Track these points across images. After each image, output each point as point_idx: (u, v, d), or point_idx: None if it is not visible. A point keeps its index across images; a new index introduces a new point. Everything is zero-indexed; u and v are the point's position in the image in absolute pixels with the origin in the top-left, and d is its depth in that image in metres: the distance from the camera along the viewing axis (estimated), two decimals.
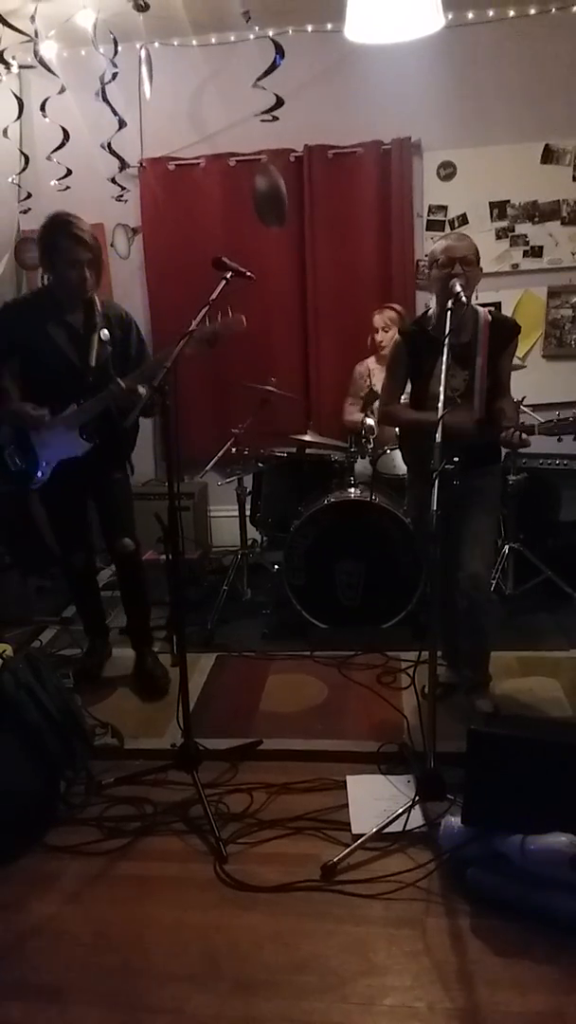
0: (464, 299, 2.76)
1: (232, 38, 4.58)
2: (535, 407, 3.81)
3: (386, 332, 4.44)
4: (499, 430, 2.79)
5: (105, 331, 3.21)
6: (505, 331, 2.97)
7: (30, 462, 3.28)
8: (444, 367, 2.68)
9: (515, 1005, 1.92)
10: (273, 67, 3.95)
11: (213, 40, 4.65)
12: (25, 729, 2.65)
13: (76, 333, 3.20)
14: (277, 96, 4.09)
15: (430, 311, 3.04)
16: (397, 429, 3.91)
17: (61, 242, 3.07)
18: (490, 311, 3.01)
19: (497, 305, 4.63)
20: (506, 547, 4.09)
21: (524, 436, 2.71)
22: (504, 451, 3.13)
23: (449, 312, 2.74)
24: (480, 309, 2.98)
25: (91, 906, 2.31)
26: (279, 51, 3.94)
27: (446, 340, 2.69)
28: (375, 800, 2.62)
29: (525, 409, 3.72)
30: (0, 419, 3.25)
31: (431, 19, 3.10)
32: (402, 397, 3.19)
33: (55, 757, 2.70)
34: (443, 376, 2.67)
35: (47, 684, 2.80)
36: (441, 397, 2.63)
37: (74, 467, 3.25)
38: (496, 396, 2.94)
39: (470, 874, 2.26)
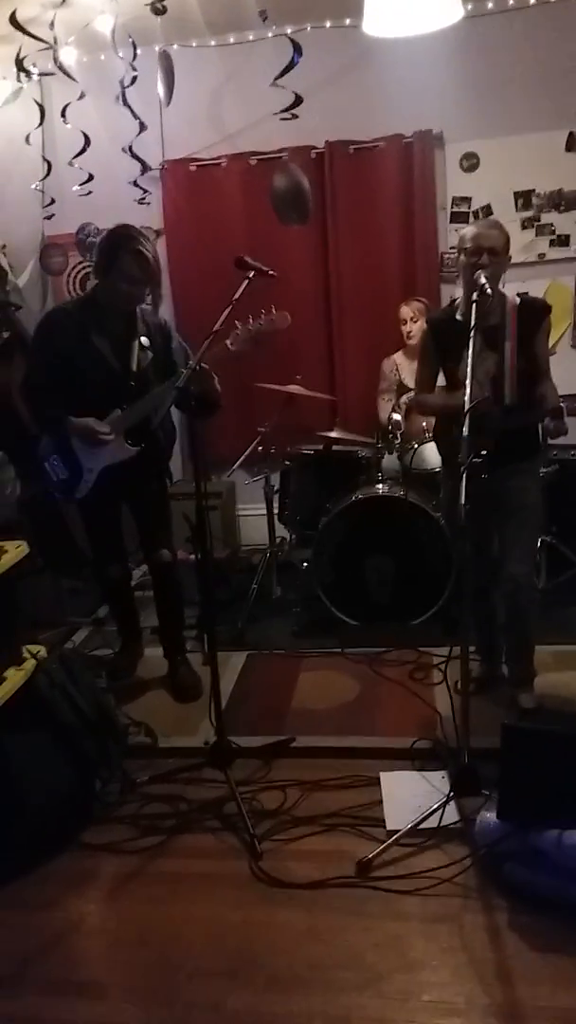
0: (488, 291, 2.73)
1: (250, 37, 4.58)
2: (564, 397, 3.76)
3: (414, 323, 4.41)
4: (541, 414, 2.74)
5: (145, 338, 3.22)
6: (535, 312, 2.92)
7: (73, 472, 3.26)
8: (471, 357, 2.65)
9: (554, 1000, 1.90)
10: (291, 66, 3.95)
11: (231, 40, 4.66)
12: (60, 729, 2.69)
13: (118, 340, 3.20)
14: (296, 94, 4.09)
15: (457, 300, 3.01)
16: (425, 422, 3.91)
17: (121, 256, 3.05)
18: (518, 293, 2.96)
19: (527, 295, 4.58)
20: (538, 540, 4.04)
21: (561, 421, 2.67)
22: (543, 439, 3.07)
23: (474, 304, 2.72)
24: (508, 293, 2.95)
25: (128, 903, 2.33)
26: (297, 49, 3.93)
27: (472, 332, 2.67)
28: (409, 796, 2.61)
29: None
30: (61, 435, 3.23)
31: (449, 10, 3.08)
32: (436, 386, 3.16)
33: (90, 756, 2.72)
34: (469, 368, 2.64)
35: (81, 684, 2.83)
36: (468, 390, 2.60)
37: (113, 475, 3.24)
38: (535, 380, 2.89)
39: (507, 869, 2.24)
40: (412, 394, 3.78)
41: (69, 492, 3.31)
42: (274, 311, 3.00)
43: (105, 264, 3.13)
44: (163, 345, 3.29)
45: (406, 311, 4.49)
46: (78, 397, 3.17)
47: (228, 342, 2.99)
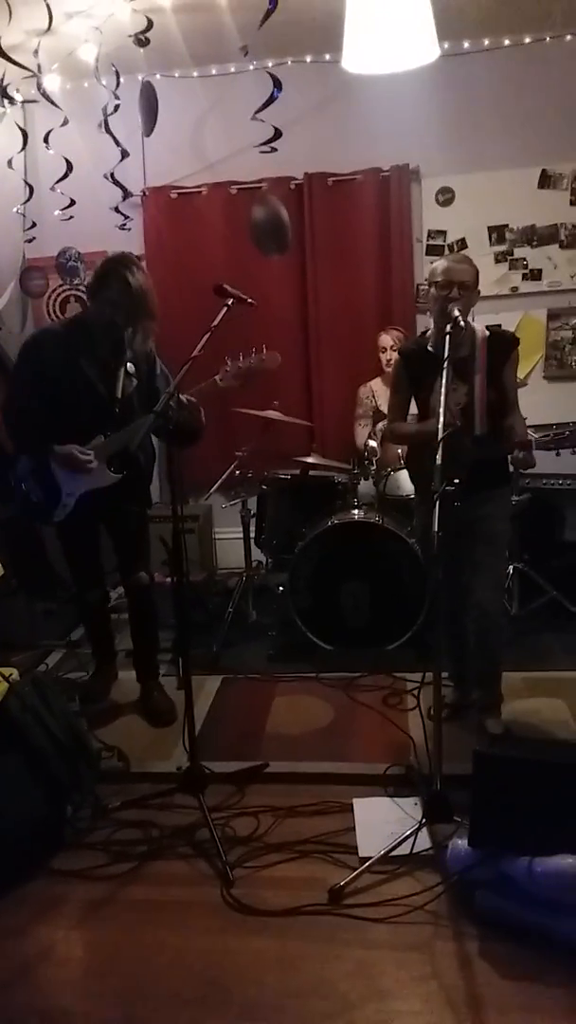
0: (462, 323, 2.79)
1: (232, 69, 4.67)
2: (536, 428, 3.82)
3: (393, 351, 4.48)
4: (509, 446, 2.80)
5: (131, 364, 3.23)
6: (503, 344, 2.99)
7: (51, 495, 3.25)
8: (444, 388, 2.70)
9: None
10: (271, 100, 4.02)
11: (213, 71, 4.75)
12: (31, 753, 2.66)
13: (105, 366, 3.20)
14: (276, 128, 4.16)
15: (428, 331, 3.07)
16: (400, 450, 3.95)
17: (109, 281, 3.07)
18: (487, 326, 3.03)
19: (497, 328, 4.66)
20: (511, 567, 4.09)
21: (529, 453, 2.73)
22: (512, 470, 3.14)
23: (448, 336, 2.77)
24: (477, 325, 3.01)
25: (98, 931, 2.31)
26: (277, 84, 4.01)
27: (445, 363, 2.72)
28: (382, 823, 2.61)
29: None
30: (40, 459, 3.22)
31: (426, 49, 3.15)
32: (408, 416, 3.21)
33: (61, 781, 2.70)
34: (443, 397, 2.69)
35: (53, 707, 2.81)
36: (440, 420, 2.65)
37: (93, 500, 3.24)
38: (504, 412, 2.95)
39: (478, 897, 2.24)
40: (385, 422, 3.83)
41: (46, 516, 3.29)
42: (265, 351, 3.04)
43: (95, 287, 3.15)
44: (148, 373, 3.29)
45: (385, 339, 4.56)
46: (62, 421, 3.17)
47: (217, 378, 3.04)
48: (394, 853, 2.45)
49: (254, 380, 3.13)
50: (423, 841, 2.48)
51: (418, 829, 2.49)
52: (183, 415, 2.79)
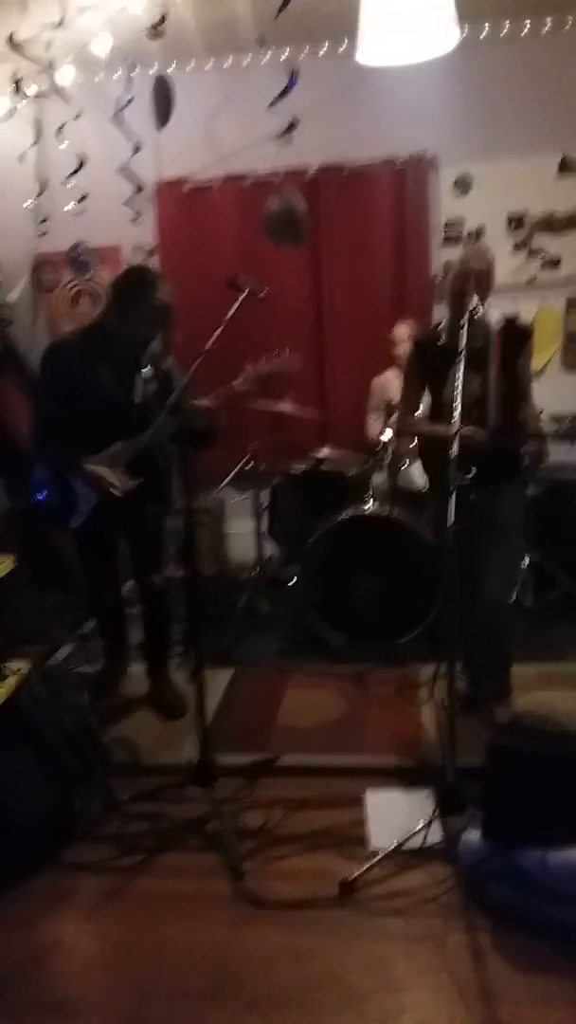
0: (477, 315, 2.76)
1: (246, 61, 4.64)
2: (554, 418, 3.79)
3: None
4: (521, 438, 2.77)
5: (147, 369, 3.21)
6: (518, 335, 2.96)
7: (68, 501, 3.23)
8: (460, 379, 2.66)
9: (536, 1021, 1.88)
10: (286, 91, 3.99)
11: (228, 63, 4.72)
12: (42, 746, 2.66)
13: (123, 372, 3.18)
14: (291, 120, 4.13)
15: (442, 322, 3.04)
16: (413, 443, 3.92)
17: (143, 300, 3.09)
18: (504, 315, 2.99)
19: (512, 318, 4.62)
20: (526, 559, 4.05)
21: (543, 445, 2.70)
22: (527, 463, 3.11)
23: (464, 327, 2.74)
24: (491, 316, 2.97)
25: (107, 923, 2.30)
26: (292, 75, 3.98)
27: (461, 354, 2.68)
28: (394, 815, 2.60)
29: (544, 420, 3.70)
30: (64, 476, 3.22)
31: (445, 38, 3.10)
32: (421, 406, 3.18)
33: (72, 774, 2.70)
34: (458, 389, 2.65)
35: (64, 701, 2.81)
36: (457, 409, 2.62)
37: (111, 506, 3.21)
38: (517, 402, 2.91)
39: (490, 890, 2.22)
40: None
41: (63, 522, 3.27)
42: (287, 353, 3.02)
43: (124, 304, 3.13)
44: (165, 377, 3.27)
45: (401, 331, 4.52)
46: (81, 428, 3.16)
47: (236, 382, 3.03)
48: (406, 846, 2.43)
49: (272, 382, 3.12)
50: (435, 834, 2.46)
51: (430, 822, 2.47)
52: (198, 420, 2.79)
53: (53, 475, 3.24)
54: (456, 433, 2.53)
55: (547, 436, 2.77)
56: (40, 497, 3.26)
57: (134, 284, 3.13)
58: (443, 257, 4.76)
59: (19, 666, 2.85)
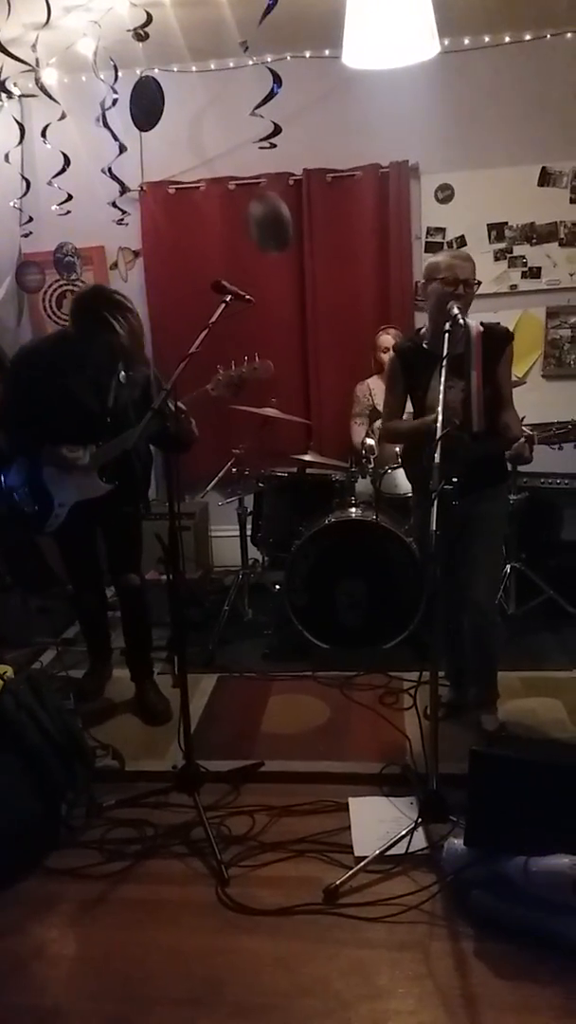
0: (461, 321, 2.78)
1: (231, 64, 4.64)
2: (535, 426, 3.82)
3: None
4: (506, 443, 2.80)
5: (123, 374, 3.20)
6: (498, 340, 2.98)
7: (43, 505, 3.23)
8: (442, 385, 2.69)
9: None
10: (271, 95, 4.01)
11: (212, 66, 4.72)
12: (26, 751, 2.65)
13: (96, 378, 3.17)
14: (275, 124, 4.15)
15: (423, 329, 3.06)
16: (398, 448, 3.94)
17: (96, 337, 2.96)
18: (482, 323, 3.02)
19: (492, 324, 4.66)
20: (508, 566, 4.08)
21: (531, 446, 2.73)
22: (510, 467, 3.13)
23: (447, 333, 2.76)
24: (471, 321, 3.00)
25: (91, 930, 2.30)
26: (277, 80, 3.99)
27: (444, 360, 2.71)
28: (377, 822, 2.61)
29: (525, 428, 3.73)
30: (33, 465, 3.21)
31: (427, 46, 3.14)
32: (403, 415, 3.20)
33: (56, 779, 2.68)
34: (441, 395, 2.68)
35: (48, 706, 2.79)
36: (440, 416, 2.64)
37: (86, 508, 3.24)
38: (499, 408, 2.94)
39: (473, 897, 2.24)
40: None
41: (38, 526, 3.28)
42: (258, 360, 3.03)
43: (83, 333, 3.03)
44: (143, 381, 3.27)
45: (385, 339, 4.54)
46: (53, 433, 3.15)
47: (209, 387, 3.04)
48: (390, 852, 2.44)
49: (247, 388, 3.12)
50: (419, 840, 2.47)
51: (414, 828, 2.48)
52: (177, 424, 2.78)
53: (27, 478, 3.23)
54: (441, 436, 2.55)
55: (535, 436, 2.79)
56: (15, 496, 3.25)
57: (92, 309, 2.98)
58: (425, 264, 4.78)
59: (3, 670, 2.83)
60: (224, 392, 3.05)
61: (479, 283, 2.95)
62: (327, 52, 4.47)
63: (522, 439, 2.82)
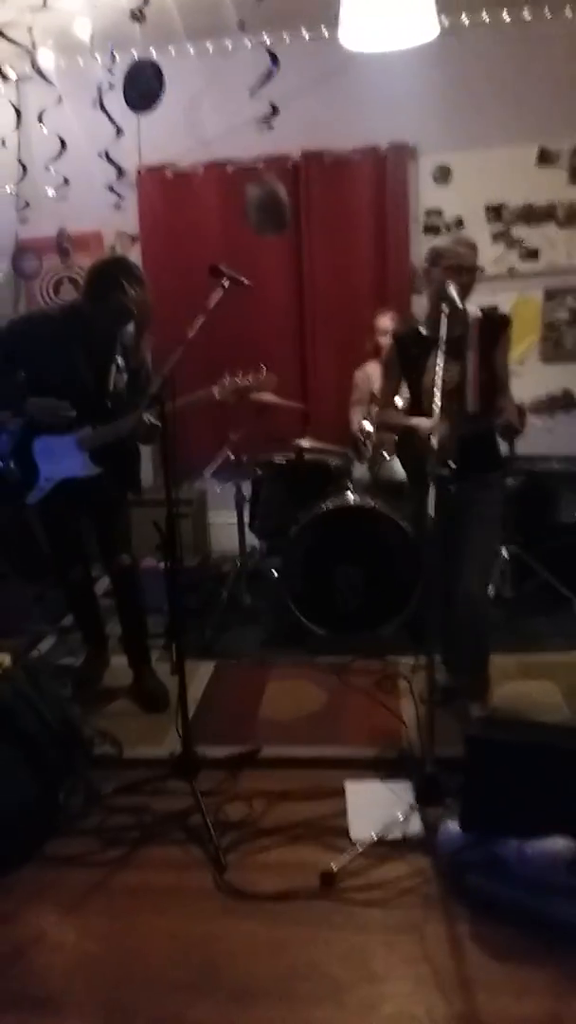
0: (460, 305, 2.77)
1: (228, 45, 4.59)
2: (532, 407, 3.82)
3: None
4: (501, 423, 2.80)
5: (121, 360, 3.20)
6: (496, 324, 2.98)
7: (27, 475, 3.25)
8: (440, 369, 2.69)
9: (514, 1010, 1.91)
10: (269, 76, 3.97)
11: (209, 47, 4.67)
12: (24, 739, 2.66)
13: (98, 357, 3.19)
14: (272, 105, 4.11)
15: (422, 313, 3.05)
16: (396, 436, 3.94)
17: (115, 291, 3.06)
18: (480, 308, 3.01)
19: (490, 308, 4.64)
20: (504, 550, 4.08)
21: (523, 419, 2.73)
22: (503, 446, 3.13)
23: (445, 317, 2.75)
24: (469, 306, 2.98)
25: (90, 916, 2.31)
26: (274, 60, 3.95)
27: (441, 344, 2.70)
28: (374, 807, 2.62)
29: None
30: (20, 408, 3.21)
31: (425, 27, 3.10)
32: (399, 401, 3.20)
33: (54, 767, 2.70)
34: (438, 378, 2.67)
35: (46, 694, 2.80)
36: (437, 401, 2.64)
37: (72, 488, 3.25)
38: (495, 392, 2.94)
39: (469, 880, 2.25)
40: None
41: (19, 496, 3.29)
42: (263, 372, 3.10)
43: (97, 292, 3.12)
44: (137, 367, 3.28)
45: (384, 322, 4.51)
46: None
47: (215, 389, 3.07)
48: (386, 837, 2.45)
49: (248, 398, 3.16)
50: (415, 825, 2.49)
51: (410, 813, 2.50)
52: (148, 435, 3.00)
53: (15, 447, 3.24)
54: (430, 434, 2.56)
55: (523, 406, 2.79)
56: (1, 465, 3.27)
57: (109, 274, 3.11)
58: (424, 247, 4.76)
59: (1, 658, 2.84)
60: (227, 398, 3.10)
61: (482, 269, 2.95)
62: (325, 32, 4.41)
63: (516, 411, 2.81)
